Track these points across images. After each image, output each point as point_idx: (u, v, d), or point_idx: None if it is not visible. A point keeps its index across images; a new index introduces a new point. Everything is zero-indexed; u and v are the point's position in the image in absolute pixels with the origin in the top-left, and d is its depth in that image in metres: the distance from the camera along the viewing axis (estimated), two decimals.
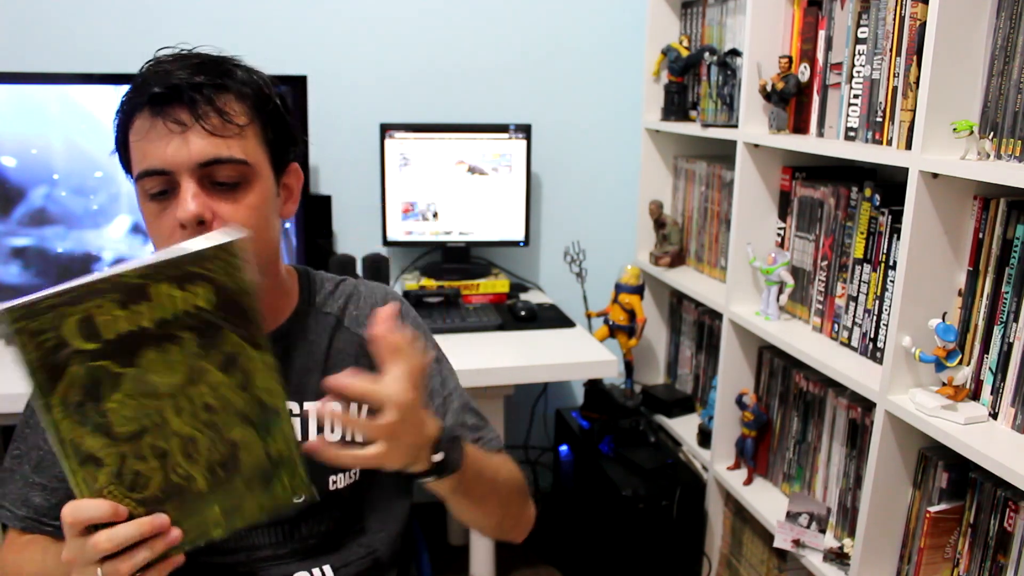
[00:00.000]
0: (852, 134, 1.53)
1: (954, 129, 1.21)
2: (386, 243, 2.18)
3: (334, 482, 0.97)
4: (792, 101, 1.70)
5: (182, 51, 0.89)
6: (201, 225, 0.84)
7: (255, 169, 0.88)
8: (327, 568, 0.97)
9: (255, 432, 0.71)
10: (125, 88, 0.88)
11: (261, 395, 0.71)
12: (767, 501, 1.77)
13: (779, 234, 1.81)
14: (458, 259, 2.23)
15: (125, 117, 0.87)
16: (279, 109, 0.92)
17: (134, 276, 0.64)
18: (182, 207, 0.83)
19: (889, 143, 1.43)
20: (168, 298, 0.66)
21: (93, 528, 0.68)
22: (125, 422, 0.67)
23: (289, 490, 0.73)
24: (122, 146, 0.89)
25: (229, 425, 0.70)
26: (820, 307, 1.68)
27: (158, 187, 0.85)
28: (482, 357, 1.78)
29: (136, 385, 0.67)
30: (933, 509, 1.33)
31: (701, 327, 2.19)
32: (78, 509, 0.68)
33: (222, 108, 0.85)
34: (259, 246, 0.89)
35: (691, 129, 2.06)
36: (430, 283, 2.13)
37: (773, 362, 1.82)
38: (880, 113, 1.45)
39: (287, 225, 1.98)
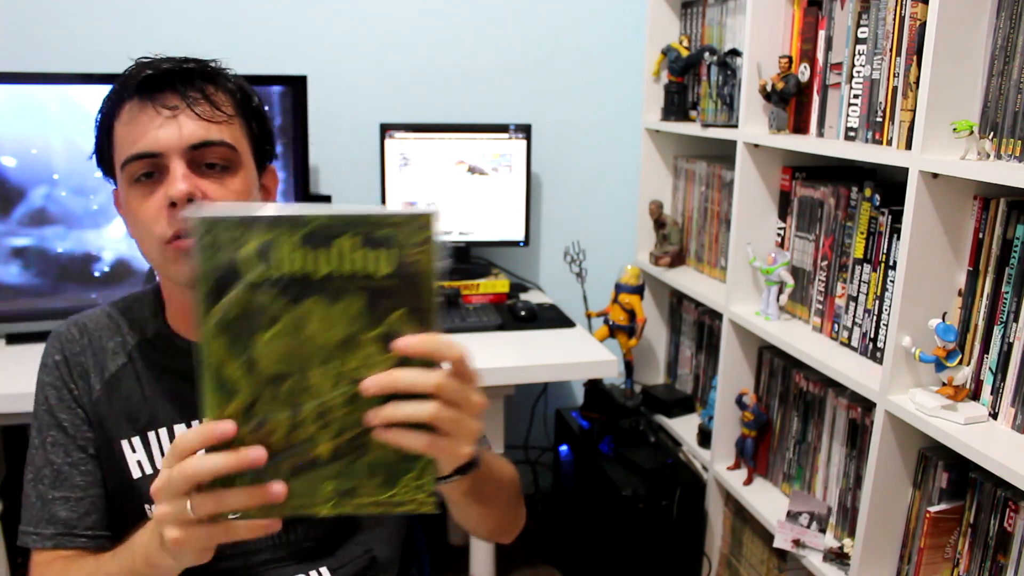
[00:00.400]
0: (852, 134, 1.53)
1: (954, 129, 1.21)
2: None
3: None
4: (792, 101, 1.70)
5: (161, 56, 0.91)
6: (191, 204, 0.85)
7: (241, 156, 0.90)
8: (324, 570, 0.97)
9: None
10: None
11: None
12: (767, 501, 1.77)
13: (779, 234, 1.80)
14: (458, 259, 2.23)
15: (113, 106, 0.88)
16: (261, 108, 0.95)
17: (325, 220, 0.63)
18: (173, 185, 0.84)
19: (889, 143, 1.43)
20: (350, 252, 0.63)
21: None
22: (270, 361, 0.65)
23: (410, 493, 0.68)
24: (105, 139, 0.90)
25: (370, 404, 0.65)
26: (820, 307, 1.68)
27: (144, 170, 0.86)
28: (482, 357, 1.75)
29: (293, 327, 0.65)
30: (933, 509, 1.33)
31: (701, 327, 2.19)
32: (184, 436, 0.64)
33: (211, 96, 0.88)
34: None
35: (691, 129, 2.06)
36: None
37: (773, 362, 1.81)
38: (880, 113, 1.45)
39: None
